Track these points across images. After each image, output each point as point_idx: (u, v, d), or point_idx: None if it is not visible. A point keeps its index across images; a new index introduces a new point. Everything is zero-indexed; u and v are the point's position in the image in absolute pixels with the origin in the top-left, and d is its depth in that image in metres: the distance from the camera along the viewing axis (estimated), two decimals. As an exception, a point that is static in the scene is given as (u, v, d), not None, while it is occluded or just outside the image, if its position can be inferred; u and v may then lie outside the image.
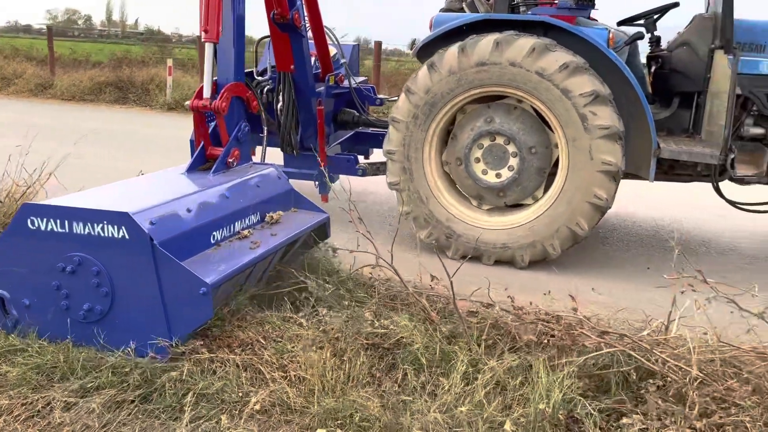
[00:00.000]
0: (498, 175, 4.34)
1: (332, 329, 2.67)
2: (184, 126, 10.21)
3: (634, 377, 2.49)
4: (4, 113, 10.71)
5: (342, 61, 5.41)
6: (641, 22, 4.87)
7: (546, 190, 4.36)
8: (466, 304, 3.02)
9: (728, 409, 2.24)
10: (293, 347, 2.57)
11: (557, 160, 4.27)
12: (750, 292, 2.57)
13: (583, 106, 3.98)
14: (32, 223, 2.60)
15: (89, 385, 2.37)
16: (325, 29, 5.17)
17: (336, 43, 5.39)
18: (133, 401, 2.34)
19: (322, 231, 3.61)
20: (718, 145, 4.17)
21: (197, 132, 3.67)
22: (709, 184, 4.67)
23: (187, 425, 2.20)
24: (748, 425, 2.14)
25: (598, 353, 2.50)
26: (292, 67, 4.78)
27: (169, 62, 12.73)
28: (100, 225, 2.54)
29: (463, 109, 4.41)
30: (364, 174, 5.11)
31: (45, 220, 2.59)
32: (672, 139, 4.42)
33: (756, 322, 2.49)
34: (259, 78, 5.01)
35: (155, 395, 2.37)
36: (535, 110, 4.24)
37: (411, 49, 5.13)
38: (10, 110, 11.25)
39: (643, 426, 2.19)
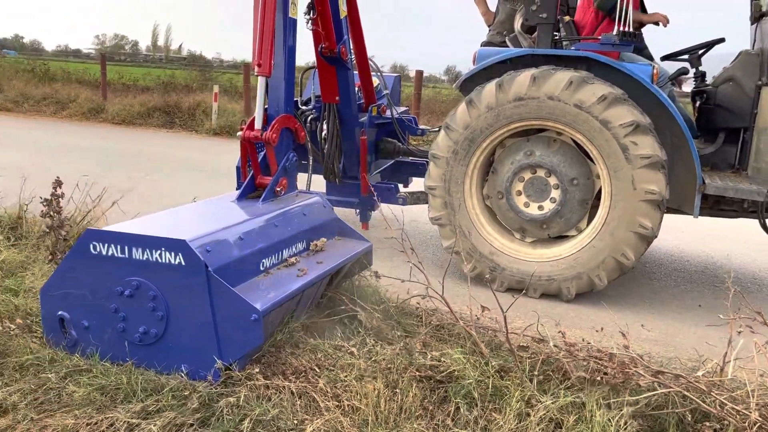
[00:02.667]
0: (540, 207, 4.35)
1: (383, 360, 2.70)
2: (229, 151, 10.48)
3: (690, 419, 2.46)
4: (67, 138, 11.13)
5: (384, 92, 5.52)
6: (686, 57, 4.87)
7: (590, 221, 4.35)
8: (516, 338, 3.03)
9: (790, 456, 2.19)
10: (346, 376, 2.60)
11: (599, 191, 4.27)
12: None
13: (624, 137, 3.99)
14: (94, 247, 2.69)
15: (151, 408, 2.44)
16: (369, 61, 5.29)
17: (379, 74, 5.51)
18: (192, 425, 2.40)
19: (365, 259, 3.65)
20: (765, 182, 4.14)
21: (246, 161, 3.77)
22: (756, 220, 4.60)
23: (244, 451, 2.24)
24: (812, 474, 2.09)
25: (653, 393, 2.48)
26: (337, 98, 4.91)
27: (215, 89, 13.09)
28: (158, 251, 2.62)
29: (503, 143, 4.46)
30: (404, 203, 5.17)
31: (106, 245, 2.68)
32: (717, 175, 4.38)
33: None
34: (304, 107, 5.14)
35: (213, 420, 2.42)
36: (575, 142, 4.26)
37: (454, 82, 5.20)
38: (66, 134, 11.69)
39: (702, 470, 2.16)
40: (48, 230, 3.91)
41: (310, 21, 4.42)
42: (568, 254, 4.27)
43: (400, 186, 5.52)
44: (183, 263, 2.59)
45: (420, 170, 5.66)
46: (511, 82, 4.20)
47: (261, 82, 3.64)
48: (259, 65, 3.57)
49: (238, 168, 4.73)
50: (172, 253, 2.60)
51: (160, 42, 56.87)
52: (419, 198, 5.14)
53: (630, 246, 4.09)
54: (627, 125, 3.97)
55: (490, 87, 4.26)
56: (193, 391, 2.53)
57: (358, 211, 5.24)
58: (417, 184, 5.83)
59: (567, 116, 4.10)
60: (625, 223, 4.07)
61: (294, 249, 3.30)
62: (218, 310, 2.59)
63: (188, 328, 2.64)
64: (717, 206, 4.54)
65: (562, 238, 4.45)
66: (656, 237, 4.17)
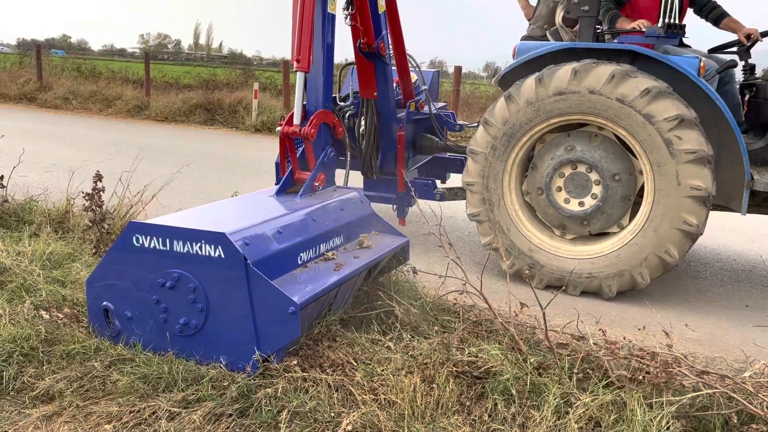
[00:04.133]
0: (581, 204, 4.27)
1: (420, 354, 2.69)
2: (269, 147, 10.61)
3: (735, 421, 2.39)
4: (112, 134, 11.44)
5: (423, 87, 5.49)
6: (734, 49, 4.71)
7: (632, 217, 4.25)
8: (555, 335, 2.98)
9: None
10: (383, 370, 2.60)
11: (642, 187, 4.17)
12: None
13: (668, 131, 3.88)
14: (137, 240, 2.76)
15: (191, 397, 2.49)
16: (407, 57, 5.27)
17: (417, 69, 5.49)
18: (231, 415, 2.44)
19: (401, 254, 3.65)
20: None
21: (285, 156, 3.81)
22: None
23: (282, 442, 2.27)
24: None
25: (697, 393, 2.41)
26: (375, 94, 4.91)
27: (256, 86, 13.25)
28: (199, 244, 2.66)
29: (543, 139, 4.38)
30: (441, 198, 5.14)
31: (149, 237, 2.74)
32: (767, 171, 4.23)
33: None
34: (342, 103, 5.15)
35: (251, 410, 2.45)
36: (617, 137, 4.16)
37: (493, 78, 5.14)
38: (112, 130, 12.01)
39: (749, 474, 2.09)
40: (91, 224, 4.01)
41: (348, 16, 4.43)
42: (609, 251, 4.18)
43: (438, 182, 5.49)
44: (222, 256, 2.63)
45: (458, 166, 5.62)
46: (551, 76, 4.13)
47: (300, 77, 3.67)
48: (298, 61, 3.60)
49: (277, 163, 4.79)
50: (212, 246, 2.64)
51: (202, 41, 57.93)
52: (457, 194, 5.10)
53: (674, 243, 3.99)
54: (671, 119, 3.87)
55: (530, 81, 4.20)
56: (232, 381, 2.57)
57: (395, 206, 5.24)
58: (455, 180, 5.80)
59: (609, 110, 4.01)
60: (669, 219, 3.97)
61: (331, 243, 3.32)
62: (257, 302, 2.62)
63: (227, 320, 2.68)
64: (766, 203, 4.38)
65: (603, 234, 4.35)
66: (701, 234, 4.05)
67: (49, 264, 3.62)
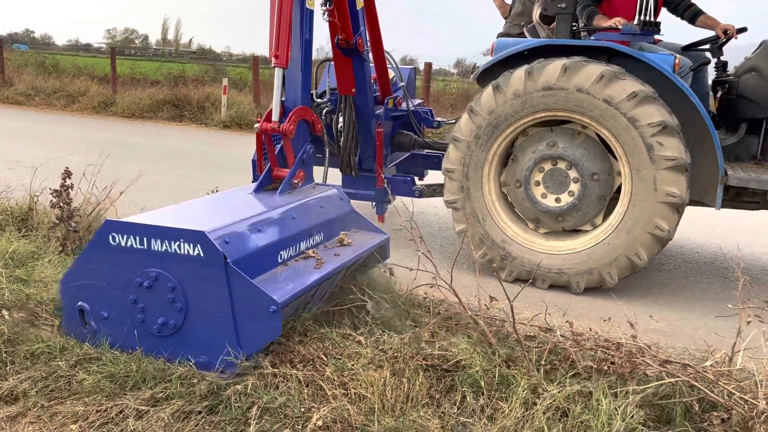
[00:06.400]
0: (557, 200, 4.32)
1: (390, 348, 2.71)
2: (239, 144, 10.53)
3: (697, 408, 2.45)
4: (77, 131, 11.21)
5: (400, 84, 5.50)
6: (706, 47, 4.80)
7: (605, 217, 4.32)
8: (523, 328, 3.03)
9: (798, 445, 2.18)
10: (353, 365, 2.61)
11: (618, 188, 4.23)
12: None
13: (651, 136, 3.94)
14: (113, 239, 2.70)
15: (159, 395, 2.47)
16: (385, 53, 5.27)
17: (395, 66, 5.48)
18: (200, 412, 2.42)
19: (381, 251, 3.65)
20: None
21: (262, 153, 3.77)
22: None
23: (252, 438, 2.26)
24: (820, 463, 2.09)
25: (660, 383, 2.47)
26: (353, 90, 4.89)
27: (225, 81, 13.12)
28: (177, 243, 2.62)
29: (526, 132, 4.41)
30: (420, 195, 5.15)
31: (125, 236, 2.69)
32: (740, 166, 4.32)
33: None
34: (319, 100, 5.13)
35: (221, 407, 2.44)
36: (599, 137, 4.22)
37: (471, 75, 5.16)
38: (76, 127, 11.77)
39: (709, 459, 2.15)
40: (58, 221, 3.94)
41: (326, 12, 4.39)
42: (581, 249, 4.24)
43: (416, 179, 5.48)
44: (202, 255, 2.59)
45: (436, 163, 5.60)
46: (541, 70, 4.14)
47: (278, 73, 3.62)
48: (276, 57, 3.56)
49: (253, 161, 4.72)
50: (191, 245, 2.61)
51: (170, 36, 57.08)
52: (436, 191, 5.10)
53: (645, 246, 4.07)
54: (655, 125, 3.92)
55: (519, 73, 4.20)
56: (202, 379, 2.55)
57: (374, 203, 5.24)
58: (433, 177, 5.82)
59: (595, 110, 4.05)
60: (643, 223, 4.04)
61: (311, 241, 3.30)
62: (237, 301, 2.59)
63: (207, 319, 2.64)
64: (738, 198, 4.46)
65: (576, 231, 4.41)
66: (671, 239, 4.14)
67: (11, 263, 3.54)
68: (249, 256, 2.76)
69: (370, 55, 5.06)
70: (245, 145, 10.39)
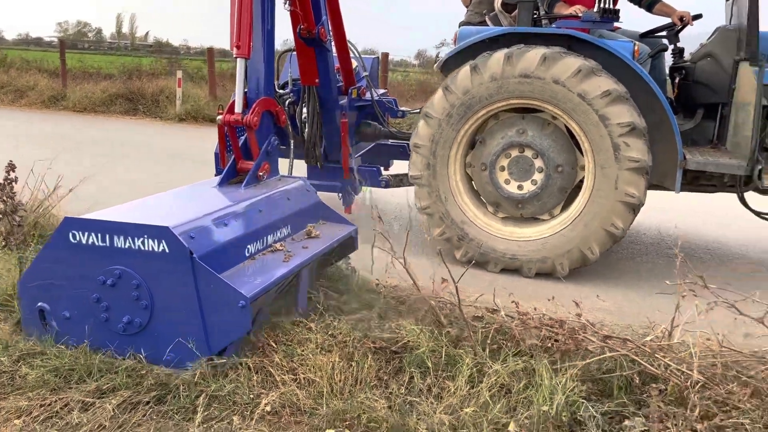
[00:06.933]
0: (520, 187, 4.38)
1: (340, 333, 2.73)
2: (196, 136, 10.38)
3: (637, 381, 2.54)
4: (23, 125, 10.89)
5: (363, 74, 5.47)
6: (663, 33, 4.91)
7: (563, 209, 4.40)
8: (473, 309, 3.08)
9: (728, 412, 2.28)
10: (303, 351, 2.63)
11: (579, 182, 4.31)
12: (751, 298, 2.61)
13: (618, 136, 4.02)
14: (73, 236, 2.64)
15: (105, 387, 2.44)
16: (348, 43, 5.23)
17: (358, 56, 5.44)
18: (148, 402, 2.41)
19: (350, 243, 3.64)
20: (745, 156, 4.17)
21: (224, 146, 3.72)
22: (713, 194, 4.70)
23: (199, 426, 2.26)
24: (748, 427, 2.19)
25: (600, 357, 2.56)
26: (317, 80, 4.84)
27: (179, 74, 12.90)
28: (141, 239, 2.57)
29: (497, 116, 4.43)
30: (387, 185, 5.14)
31: (86, 233, 2.62)
32: (697, 150, 4.42)
33: (757, 328, 2.54)
34: (281, 91, 5.03)
35: (169, 397, 2.43)
36: (568, 130, 4.27)
37: (429, 65, 5.18)
38: (24, 121, 11.43)
39: (645, 428, 2.24)
40: (0, 215, 3.84)
41: (288, 2, 4.33)
42: (537, 237, 4.32)
43: (381, 169, 5.44)
44: (167, 250, 2.55)
45: (401, 153, 5.60)
46: (520, 56, 4.14)
47: (240, 64, 3.56)
48: (238, 47, 3.50)
49: (216, 154, 4.64)
50: (155, 241, 2.56)
51: (125, 29, 55.73)
52: (402, 180, 5.09)
53: (598, 241, 4.17)
54: (624, 125, 3.99)
55: (498, 57, 4.19)
56: (150, 370, 2.53)
57: (340, 195, 5.21)
58: (398, 167, 5.82)
59: (568, 103, 4.09)
60: (600, 219, 4.13)
61: (279, 234, 3.26)
62: (204, 297, 2.55)
63: (174, 316, 2.60)
64: (696, 182, 4.57)
65: (533, 219, 4.48)
66: (623, 237, 4.25)
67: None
68: (215, 250, 2.71)
69: (333, 44, 5.01)
70: (202, 139, 10.27)
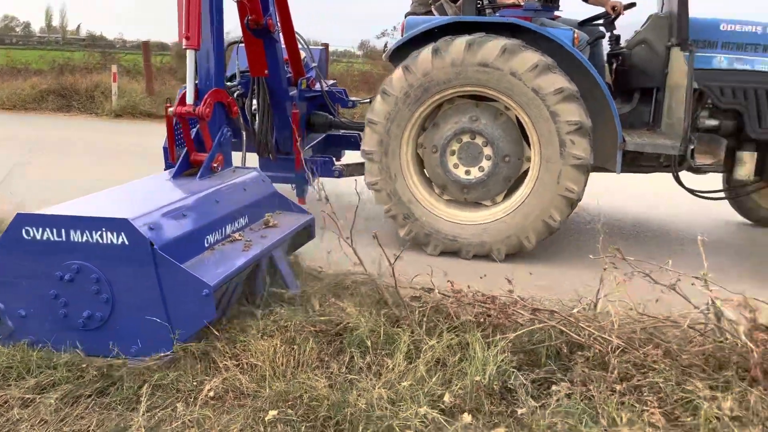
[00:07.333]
0: (467, 173, 4.51)
1: (282, 318, 2.80)
2: (132, 132, 10.17)
3: (565, 350, 2.70)
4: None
5: (312, 65, 5.48)
6: (600, 21, 5.11)
7: (506, 197, 4.56)
8: (411, 290, 3.19)
9: (645, 373, 2.47)
10: (245, 337, 2.69)
11: (523, 173, 4.47)
12: (664, 268, 2.81)
13: (566, 133, 4.18)
14: (27, 233, 2.59)
15: (45, 382, 2.44)
16: (296, 33, 5.23)
17: (306, 46, 5.44)
18: (90, 395, 2.42)
19: (307, 232, 3.69)
20: (678, 137, 4.40)
21: (173, 139, 3.69)
22: (659, 174, 4.95)
23: (143, 414, 2.29)
24: (662, 385, 2.37)
25: (530, 329, 2.71)
26: (266, 71, 4.82)
27: (114, 69, 12.56)
28: (99, 232, 2.55)
29: (452, 101, 4.52)
30: (340, 175, 5.17)
31: (41, 229, 2.58)
32: (635, 133, 4.64)
33: (668, 294, 2.74)
34: (229, 83, 4.99)
35: (112, 389, 2.45)
36: (519, 122, 4.41)
37: (383, 53, 5.22)
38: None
39: (570, 391, 2.39)
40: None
41: None
42: (479, 222, 4.47)
43: (334, 159, 5.45)
44: (126, 242, 2.54)
45: (352, 143, 5.64)
46: (481, 45, 4.22)
47: (190, 55, 3.53)
48: (187, 38, 3.48)
49: (164, 148, 4.58)
50: (114, 233, 2.54)
51: (55, 23, 53.59)
52: (355, 170, 5.14)
53: (536, 231, 4.35)
54: (572, 123, 4.16)
55: (460, 43, 4.25)
56: (90, 363, 2.54)
57: (294, 186, 5.23)
58: (350, 157, 5.85)
59: (522, 97, 4.21)
60: (540, 210, 4.31)
61: (237, 224, 3.29)
62: (167, 288, 2.55)
63: (136, 309, 2.59)
64: (635, 162, 4.78)
65: (476, 204, 4.62)
66: (558, 229, 4.45)
67: None
68: (175, 241, 2.72)
69: (281, 35, 5.01)
70: (140, 134, 10.06)
